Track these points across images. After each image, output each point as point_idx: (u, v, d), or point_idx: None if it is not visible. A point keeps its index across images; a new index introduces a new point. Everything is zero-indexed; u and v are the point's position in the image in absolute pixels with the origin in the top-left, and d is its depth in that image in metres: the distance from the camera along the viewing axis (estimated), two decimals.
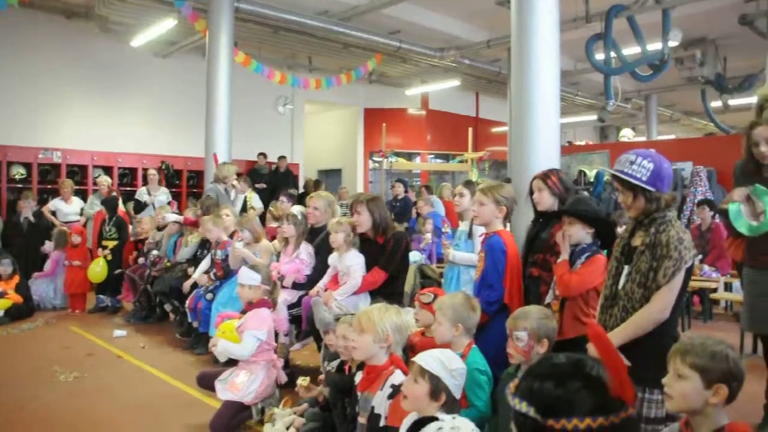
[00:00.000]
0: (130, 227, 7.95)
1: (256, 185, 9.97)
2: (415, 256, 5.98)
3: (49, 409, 4.07)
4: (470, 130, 12.93)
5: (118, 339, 6.01)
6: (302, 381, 3.50)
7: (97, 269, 7.18)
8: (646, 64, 9.60)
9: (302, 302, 4.49)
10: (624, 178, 2.45)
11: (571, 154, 11.43)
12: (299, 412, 3.48)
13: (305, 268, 4.77)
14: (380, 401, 2.78)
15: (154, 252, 6.82)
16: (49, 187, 9.77)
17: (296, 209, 5.22)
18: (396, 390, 2.69)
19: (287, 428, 3.36)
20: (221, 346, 3.69)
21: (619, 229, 2.99)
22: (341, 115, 15.69)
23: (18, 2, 8.00)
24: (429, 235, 7.47)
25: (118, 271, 7.28)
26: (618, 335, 2.38)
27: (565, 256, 3.00)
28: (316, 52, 11.86)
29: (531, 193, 3.40)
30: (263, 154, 11.78)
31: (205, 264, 5.84)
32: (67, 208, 8.75)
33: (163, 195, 9.11)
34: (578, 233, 2.99)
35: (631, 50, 9.50)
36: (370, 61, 11.65)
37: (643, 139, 15.94)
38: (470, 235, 4.05)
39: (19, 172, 9.68)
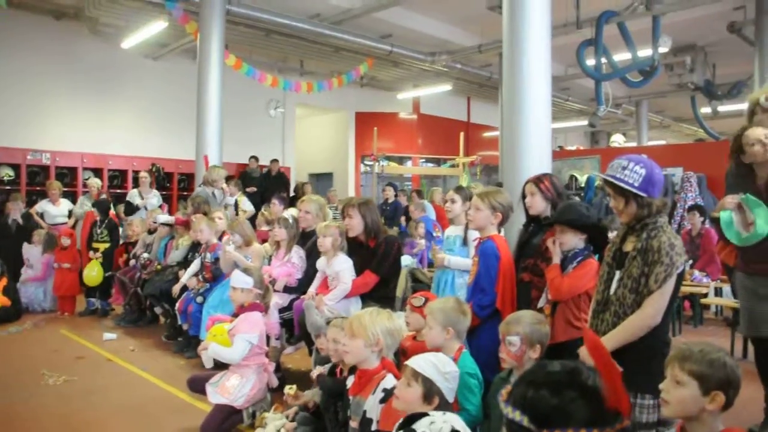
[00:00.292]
0: (121, 230, 7.90)
1: (247, 189, 9.94)
2: (406, 260, 5.98)
3: (37, 412, 4.02)
4: (461, 134, 12.99)
5: (107, 342, 5.97)
6: (289, 390, 3.46)
7: (93, 273, 7.13)
8: (637, 70, 9.67)
9: (294, 306, 4.48)
10: (616, 184, 2.47)
11: (563, 159, 11.49)
12: (291, 416, 3.47)
13: (297, 271, 4.76)
14: (372, 405, 2.77)
15: (145, 255, 6.78)
16: (37, 189, 9.70)
17: (288, 213, 5.21)
18: (388, 394, 2.69)
19: None
20: (212, 349, 3.67)
21: (611, 234, 2.99)
22: (333, 118, 15.69)
23: (5, 2, 7.94)
24: (423, 241, 7.49)
25: (108, 274, 7.23)
26: (610, 340, 2.39)
27: (556, 260, 3.00)
28: (308, 56, 11.86)
29: (523, 197, 3.40)
30: (255, 158, 11.75)
31: (194, 267, 5.79)
32: (55, 210, 8.66)
33: (154, 198, 9.04)
34: (571, 240, 2.99)
35: (621, 56, 9.59)
36: (362, 65, 11.65)
37: (633, 144, 16.06)
38: (465, 241, 4.04)
39: (7, 173, 9.62)
